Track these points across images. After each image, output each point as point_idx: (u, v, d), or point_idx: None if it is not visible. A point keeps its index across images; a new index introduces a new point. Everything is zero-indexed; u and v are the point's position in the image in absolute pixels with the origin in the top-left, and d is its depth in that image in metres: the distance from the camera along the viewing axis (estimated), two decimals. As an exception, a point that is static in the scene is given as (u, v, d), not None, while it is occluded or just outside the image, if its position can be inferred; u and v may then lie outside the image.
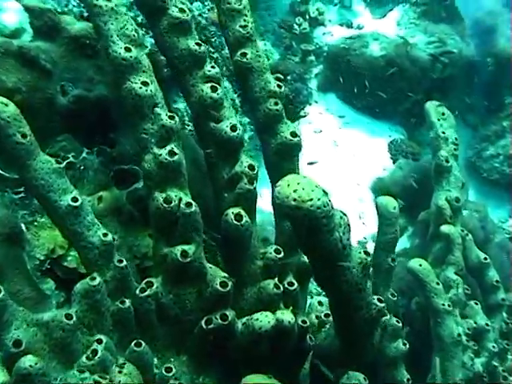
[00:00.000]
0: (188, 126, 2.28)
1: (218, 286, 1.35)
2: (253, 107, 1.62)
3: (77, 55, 1.74)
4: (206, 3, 2.77)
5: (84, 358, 1.25)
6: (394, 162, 3.36)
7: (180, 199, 1.39)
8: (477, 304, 2.09)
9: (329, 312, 1.61)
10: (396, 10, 3.81)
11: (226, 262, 1.54)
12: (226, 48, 1.69)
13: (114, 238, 1.40)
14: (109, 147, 1.76)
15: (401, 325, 1.69)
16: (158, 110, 1.44)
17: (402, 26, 3.70)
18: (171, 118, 1.44)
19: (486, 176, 3.66)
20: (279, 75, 1.66)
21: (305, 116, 3.47)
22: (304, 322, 1.43)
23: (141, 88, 1.43)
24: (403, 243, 2.84)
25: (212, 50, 2.70)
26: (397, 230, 1.75)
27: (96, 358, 1.25)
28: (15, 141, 1.28)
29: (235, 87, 2.77)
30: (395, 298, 1.75)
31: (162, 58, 1.65)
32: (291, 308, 1.43)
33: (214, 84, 1.54)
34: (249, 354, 1.37)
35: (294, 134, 1.58)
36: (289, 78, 3.40)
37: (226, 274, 1.40)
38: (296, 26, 3.65)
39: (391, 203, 1.74)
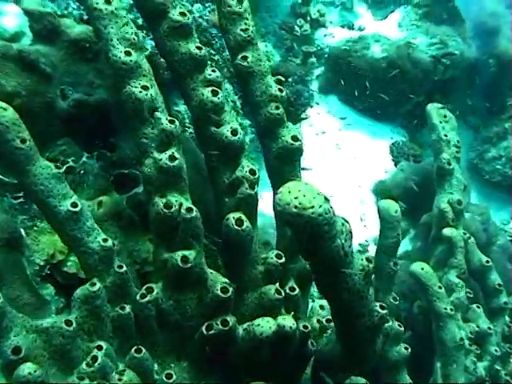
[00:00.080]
0: (189, 128, 2.27)
1: (219, 292, 1.35)
2: (254, 111, 1.61)
3: (77, 59, 1.74)
4: (206, 5, 2.77)
5: (84, 365, 1.25)
6: (395, 165, 3.34)
7: (180, 204, 1.38)
8: (479, 307, 2.09)
9: (330, 317, 1.60)
10: (397, 11, 3.80)
11: (226, 266, 1.53)
12: (227, 50, 1.68)
13: (113, 244, 1.39)
14: (109, 151, 1.76)
15: (403, 329, 1.68)
16: (158, 114, 1.43)
17: (404, 28, 3.69)
18: (171, 122, 1.43)
19: (488, 178, 3.65)
20: (280, 77, 1.65)
21: (306, 118, 3.46)
22: (305, 327, 1.43)
23: (141, 92, 1.43)
24: (405, 246, 2.83)
25: (213, 52, 2.70)
26: (399, 233, 1.74)
27: (96, 364, 1.24)
28: (14, 146, 1.27)
29: (236, 89, 2.76)
30: (397, 302, 1.74)
31: (163, 60, 1.65)
32: (292, 313, 1.42)
33: (214, 88, 1.53)
34: (250, 360, 1.37)
35: (295, 138, 1.57)
36: (290, 79, 3.39)
37: (226, 280, 1.39)
38: (297, 28, 3.64)
39: (393, 207, 1.73)
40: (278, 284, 1.47)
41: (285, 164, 1.58)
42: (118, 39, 1.45)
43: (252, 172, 1.47)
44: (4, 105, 1.27)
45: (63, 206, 1.33)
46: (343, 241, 1.09)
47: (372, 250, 2.91)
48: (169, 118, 1.44)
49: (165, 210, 1.38)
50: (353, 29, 3.77)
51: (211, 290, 1.37)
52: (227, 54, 1.87)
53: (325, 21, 3.78)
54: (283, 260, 1.48)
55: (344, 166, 3.30)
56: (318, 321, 1.67)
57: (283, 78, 1.67)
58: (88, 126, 1.75)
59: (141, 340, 1.38)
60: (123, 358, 1.32)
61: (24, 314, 1.25)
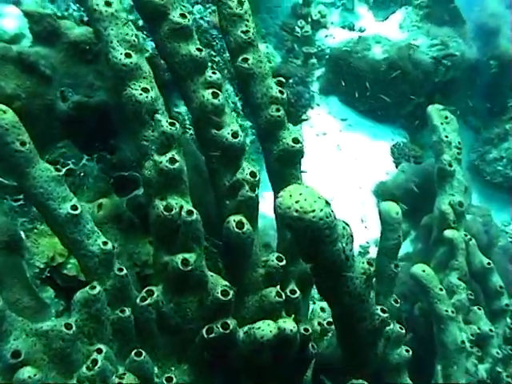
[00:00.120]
0: (189, 129, 2.26)
1: (219, 295, 1.34)
2: (254, 113, 1.60)
3: (77, 61, 1.73)
4: (207, 6, 2.76)
5: (84, 369, 1.24)
6: (396, 166, 3.34)
7: (181, 207, 1.38)
8: (480, 309, 2.08)
9: (331, 320, 1.60)
10: (398, 12, 3.78)
11: (227, 269, 1.53)
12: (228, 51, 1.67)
13: (113, 247, 1.38)
14: (109, 154, 1.75)
15: (404, 331, 1.68)
16: (158, 116, 1.43)
17: (405, 29, 3.68)
18: (172, 124, 1.42)
19: (489, 179, 3.64)
20: (281, 78, 1.65)
21: (307, 119, 3.45)
22: (306, 330, 1.42)
23: (141, 94, 1.42)
24: (406, 247, 2.82)
25: (213, 54, 2.69)
26: (400, 235, 1.73)
27: (96, 368, 1.24)
28: (14, 149, 1.27)
29: (237, 90, 2.76)
30: (398, 305, 1.73)
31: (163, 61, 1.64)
32: (293, 316, 1.42)
33: (215, 90, 1.52)
34: (250, 363, 1.37)
35: (296, 141, 1.57)
36: (291, 81, 3.38)
37: (227, 283, 1.38)
38: (298, 29, 3.64)
39: (394, 209, 1.73)
40: (278, 287, 1.47)
41: (286, 166, 1.58)
42: (118, 41, 1.44)
43: (253, 174, 1.47)
44: (4, 107, 1.27)
45: (63, 208, 1.32)
46: (344, 244, 1.08)
47: (373, 252, 2.90)
48: (169, 120, 1.43)
49: (165, 213, 1.37)
50: (354, 30, 3.76)
51: (212, 293, 1.36)
52: (228, 55, 1.87)
53: (326, 22, 3.76)
54: (284, 263, 1.47)
55: (345, 168, 3.29)
56: (319, 323, 1.66)
57: (284, 80, 1.66)
58: (88, 128, 1.75)
59: (141, 343, 1.37)
60: (123, 361, 1.32)
61: (24, 317, 1.25)
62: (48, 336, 1.24)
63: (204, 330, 1.34)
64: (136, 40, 1.47)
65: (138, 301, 1.37)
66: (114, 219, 1.66)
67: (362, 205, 3.14)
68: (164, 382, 1.32)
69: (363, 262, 1.21)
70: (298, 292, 1.51)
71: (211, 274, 1.39)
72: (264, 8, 3.62)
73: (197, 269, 1.35)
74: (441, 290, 1.94)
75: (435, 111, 2.39)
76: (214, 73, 1.55)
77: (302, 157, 1.60)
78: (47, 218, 1.35)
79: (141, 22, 2.05)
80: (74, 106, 1.72)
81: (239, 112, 2.77)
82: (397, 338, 1.66)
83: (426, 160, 3.23)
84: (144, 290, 1.38)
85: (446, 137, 2.31)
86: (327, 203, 1.01)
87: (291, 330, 1.29)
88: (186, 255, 1.35)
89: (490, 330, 2.05)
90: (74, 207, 1.33)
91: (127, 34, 1.46)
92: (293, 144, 1.56)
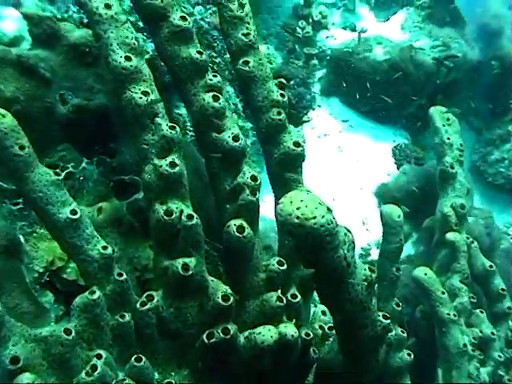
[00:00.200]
0: (190, 131, 2.25)
1: (220, 300, 1.33)
2: (255, 116, 1.60)
3: (76, 63, 1.72)
4: (208, 7, 2.75)
5: (83, 374, 1.23)
6: (398, 167, 3.33)
7: (181, 211, 1.37)
8: (482, 312, 2.07)
9: (332, 324, 1.59)
10: (400, 13, 3.78)
11: (228, 274, 1.51)
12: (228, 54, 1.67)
13: (113, 251, 1.37)
14: (109, 157, 1.74)
15: (406, 335, 1.67)
16: (158, 120, 1.42)
17: (406, 30, 3.67)
18: (172, 128, 1.41)
19: (490, 180, 3.63)
20: (282, 80, 1.64)
21: (308, 121, 3.45)
22: (307, 334, 1.41)
23: (141, 98, 1.41)
24: (408, 250, 2.81)
25: (214, 55, 2.68)
26: (401, 238, 1.73)
27: (95, 373, 1.23)
28: (13, 153, 1.26)
29: (237, 91, 2.75)
30: (400, 308, 1.72)
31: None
32: (294, 321, 1.41)
33: (215, 93, 1.51)
34: (251, 369, 1.36)
35: (297, 144, 1.56)
36: (292, 82, 3.37)
37: (228, 288, 1.37)
38: (299, 30, 3.63)
39: (395, 212, 1.72)
40: (279, 291, 1.46)
41: (287, 170, 1.57)
42: (118, 44, 1.44)
43: (253, 178, 1.46)
44: (3, 111, 1.26)
45: (62, 213, 1.31)
46: (346, 251, 1.07)
47: (374, 254, 2.90)
48: (169, 124, 1.42)
49: (165, 217, 1.36)
50: (355, 31, 3.75)
51: (212, 298, 1.35)
52: (229, 56, 1.86)
53: (327, 22, 3.76)
54: (285, 267, 1.46)
55: (346, 169, 3.28)
56: (321, 327, 1.65)
57: (285, 82, 1.65)
58: (88, 132, 1.74)
59: (141, 348, 1.36)
60: (123, 366, 1.31)
61: (23, 322, 1.24)
62: (47, 341, 1.23)
63: (204, 335, 1.33)
64: (136, 43, 1.46)
65: (138, 306, 1.36)
66: (113, 223, 1.65)
67: (363, 206, 3.14)
68: (164, 387, 1.32)
69: (365, 269, 1.20)
70: (299, 296, 1.50)
71: (212, 278, 1.38)
72: (265, 8, 3.62)
73: (197, 274, 1.34)
74: (443, 293, 1.93)
75: (437, 113, 2.38)
76: (214, 76, 1.54)
77: (304, 160, 1.59)
78: (46, 222, 1.34)
79: (141, 24, 2.04)
80: (73, 109, 1.71)
81: (240, 114, 2.76)
82: (399, 341, 1.65)
83: (428, 161, 3.23)
84: (144, 295, 1.37)
85: (448, 139, 2.30)
86: (328, 210, 1.00)
87: (292, 336, 1.28)
88: (187, 260, 1.34)
89: (492, 333, 2.05)
90: (74, 212, 1.32)
91: (127, 37, 1.45)
92: (294, 147, 1.56)
